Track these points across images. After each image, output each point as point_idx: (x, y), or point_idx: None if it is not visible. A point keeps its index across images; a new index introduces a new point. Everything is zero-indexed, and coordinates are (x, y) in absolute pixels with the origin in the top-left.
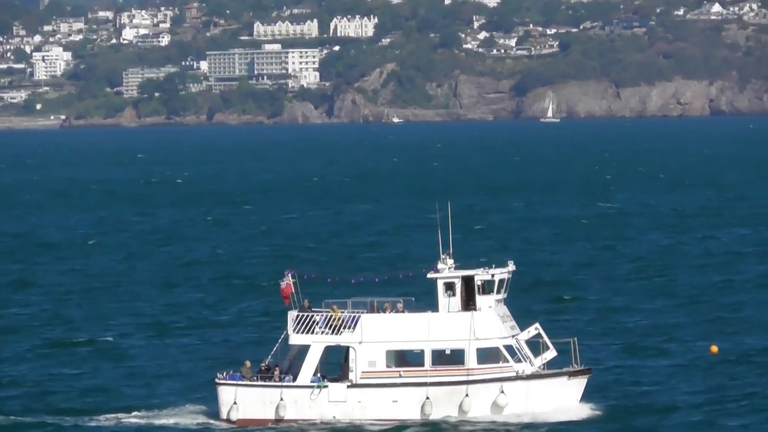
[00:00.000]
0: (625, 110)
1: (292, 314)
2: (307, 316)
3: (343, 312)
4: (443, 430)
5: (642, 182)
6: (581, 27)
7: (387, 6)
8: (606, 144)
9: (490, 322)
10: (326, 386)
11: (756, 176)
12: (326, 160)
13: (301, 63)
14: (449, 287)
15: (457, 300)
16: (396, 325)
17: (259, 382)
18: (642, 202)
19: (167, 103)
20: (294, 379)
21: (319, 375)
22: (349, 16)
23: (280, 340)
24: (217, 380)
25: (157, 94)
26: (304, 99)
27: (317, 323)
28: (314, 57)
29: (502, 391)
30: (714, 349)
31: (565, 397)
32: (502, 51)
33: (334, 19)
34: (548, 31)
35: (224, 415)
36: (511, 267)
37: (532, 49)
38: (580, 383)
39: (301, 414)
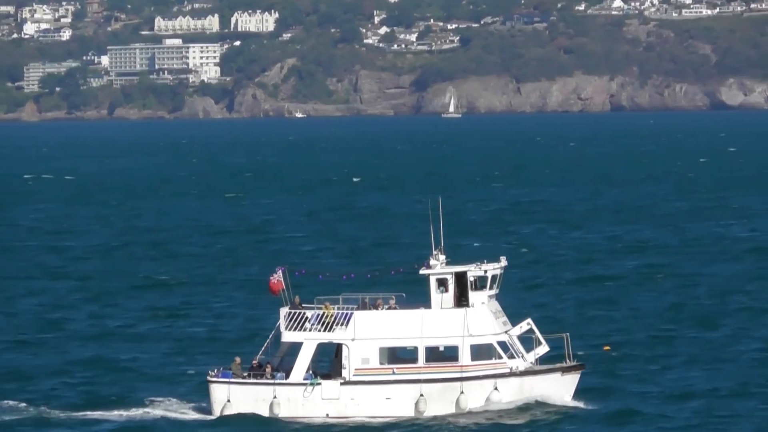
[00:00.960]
0: (526, 105)
1: (283, 311)
2: (299, 313)
3: (335, 309)
4: (437, 427)
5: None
6: (482, 22)
7: (288, 1)
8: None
9: (484, 319)
10: (319, 383)
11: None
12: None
13: (201, 58)
14: (442, 283)
15: (449, 296)
16: (389, 322)
17: (252, 380)
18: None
19: (68, 97)
20: (287, 377)
21: (311, 372)
22: (249, 11)
23: (270, 337)
24: (208, 378)
25: (58, 89)
26: (204, 94)
27: (309, 320)
28: (215, 52)
29: (496, 388)
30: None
31: (559, 392)
32: (403, 46)
33: (235, 14)
34: (449, 26)
35: (216, 413)
36: (504, 262)
37: (433, 44)
38: (573, 379)
39: (294, 411)
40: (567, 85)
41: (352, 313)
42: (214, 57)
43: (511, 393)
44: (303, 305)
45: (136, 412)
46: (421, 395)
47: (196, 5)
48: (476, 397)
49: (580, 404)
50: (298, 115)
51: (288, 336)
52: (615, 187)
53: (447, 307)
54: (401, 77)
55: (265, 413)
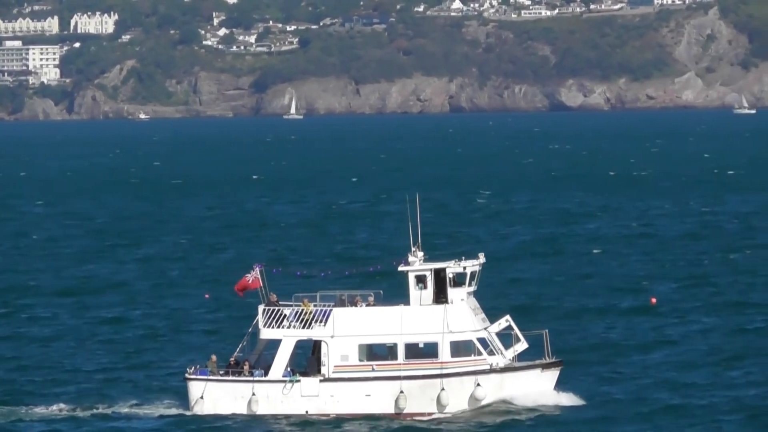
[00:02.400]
0: (365, 107)
1: (262, 308)
2: (278, 310)
3: (313, 306)
4: (417, 424)
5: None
6: (321, 23)
7: (127, 3)
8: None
9: (463, 315)
10: (299, 381)
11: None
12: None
13: (41, 59)
14: (420, 280)
15: (428, 293)
16: (368, 319)
17: (231, 377)
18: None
19: None
20: (265, 374)
21: (289, 369)
22: (89, 13)
23: (247, 334)
24: (186, 375)
25: None
26: (44, 95)
27: (288, 317)
28: (55, 53)
29: (477, 384)
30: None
31: (539, 389)
32: (242, 48)
33: (75, 16)
34: (288, 28)
35: (195, 411)
36: (482, 259)
37: (272, 45)
38: (552, 375)
39: (273, 409)
40: (406, 86)
41: (330, 310)
42: (54, 59)
43: (491, 389)
44: (279, 302)
45: (114, 412)
46: (401, 392)
47: (36, 7)
48: (456, 393)
49: (560, 400)
50: (142, 116)
51: (266, 333)
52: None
53: (426, 304)
54: (240, 79)
55: (244, 410)
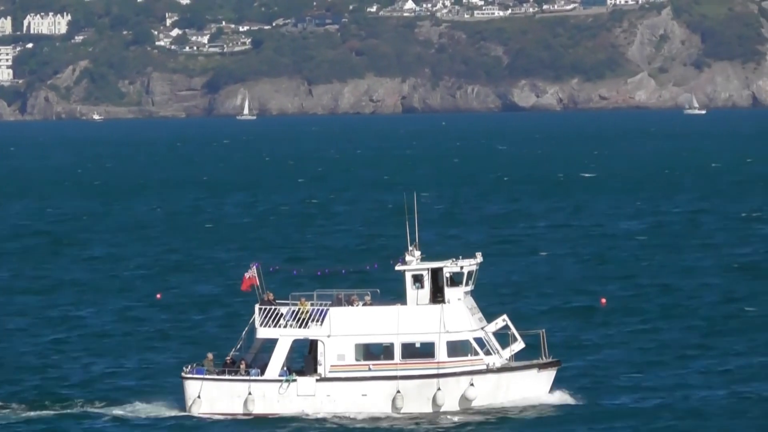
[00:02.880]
0: (318, 107)
1: (258, 307)
2: (274, 309)
3: (310, 305)
4: (413, 424)
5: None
6: (274, 24)
7: (80, 3)
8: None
9: (460, 315)
10: (295, 380)
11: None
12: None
13: None
14: (417, 279)
15: (425, 292)
16: (365, 318)
17: (227, 376)
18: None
19: None
20: (261, 373)
21: (285, 368)
22: (42, 14)
23: (244, 333)
24: (183, 374)
25: None
26: None
27: (284, 316)
28: (8, 54)
29: (473, 384)
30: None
31: (536, 389)
32: (195, 48)
33: (28, 16)
34: (241, 28)
35: (191, 410)
36: (479, 258)
37: (225, 46)
38: (549, 375)
39: (269, 408)
40: (359, 86)
41: (327, 310)
42: (7, 59)
43: (487, 389)
44: (275, 301)
45: (109, 410)
46: (398, 392)
47: None
48: (453, 393)
49: (557, 401)
50: (96, 117)
51: (263, 332)
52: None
53: (423, 304)
54: (193, 79)
55: (240, 410)
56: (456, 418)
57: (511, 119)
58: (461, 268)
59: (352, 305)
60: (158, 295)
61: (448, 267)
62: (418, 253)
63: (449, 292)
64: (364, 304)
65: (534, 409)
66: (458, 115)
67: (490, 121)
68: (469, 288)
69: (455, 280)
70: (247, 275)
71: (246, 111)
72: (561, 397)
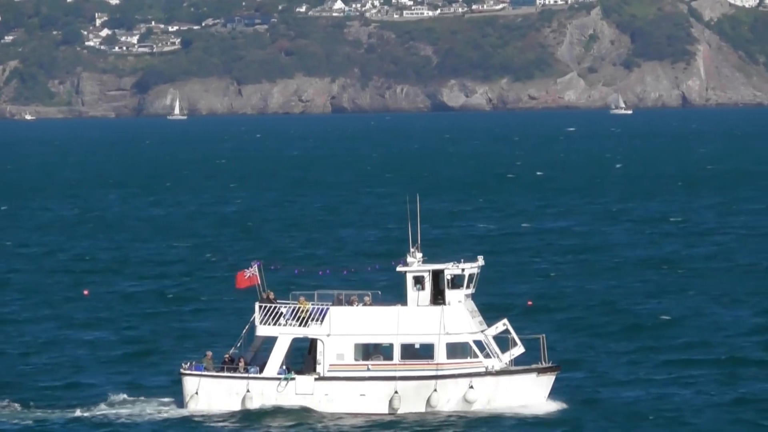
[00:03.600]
0: (247, 107)
1: (258, 305)
2: (275, 307)
3: (310, 304)
4: (411, 425)
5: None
6: (203, 24)
7: (10, 3)
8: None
9: (460, 317)
10: (293, 378)
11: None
12: None
13: None
14: (418, 281)
15: (426, 294)
16: (365, 318)
17: (226, 374)
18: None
19: None
20: (261, 371)
21: (284, 367)
22: None
23: (244, 331)
24: (181, 371)
25: None
26: None
27: (284, 315)
28: None
29: (471, 387)
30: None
31: (534, 393)
32: (125, 48)
33: None
34: (170, 29)
35: (190, 407)
36: (481, 261)
37: (155, 46)
38: (548, 380)
39: (267, 406)
40: (288, 86)
41: (327, 309)
42: None
43: (486, 392)
44: (275, 300)
45: (109, 408)
46: (396, 392)
47: None
48: (451, 395)
49: (555, 405)
50: (28, 117)
51: (262, 330)
52: None
53: (423, 305)
54: (123, 79)
55: (238, 407)
56: (452, 420)
57: (439, 119)
58: (462, 270)
59: (352, 305)
60: (85, 292)
61: (450, 269)
62: (419, 255)
63: (450, 294)
64: (364, 305)
65: (531, 413)
66: (388, 115)
67: (419, 120)
68: (470, 291)
69: (456, 282)
70: (246, 274)
71: (177, 111)
72: (559, 402)
